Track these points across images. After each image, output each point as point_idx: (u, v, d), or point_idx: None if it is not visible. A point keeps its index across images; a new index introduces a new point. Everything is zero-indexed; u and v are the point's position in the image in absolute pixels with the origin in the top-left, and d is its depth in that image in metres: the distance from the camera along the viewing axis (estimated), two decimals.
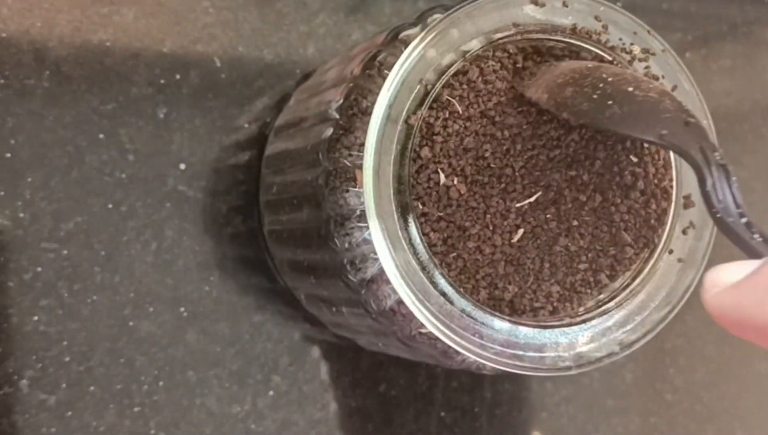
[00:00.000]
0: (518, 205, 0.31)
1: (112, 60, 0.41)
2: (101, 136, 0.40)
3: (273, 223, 0.39)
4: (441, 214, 0.30)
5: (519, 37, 0.31)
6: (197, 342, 0.41)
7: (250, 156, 0.42)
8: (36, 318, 0.39)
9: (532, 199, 0.31)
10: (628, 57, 0.32)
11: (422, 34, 0.30)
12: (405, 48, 0.30)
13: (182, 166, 0.41)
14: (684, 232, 0.32)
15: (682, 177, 0.32)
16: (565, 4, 0.31)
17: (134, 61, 0.41)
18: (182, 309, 0.41)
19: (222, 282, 0.42)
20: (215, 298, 0.42)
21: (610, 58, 0.31)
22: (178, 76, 0.42)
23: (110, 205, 0.40)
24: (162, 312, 0.41)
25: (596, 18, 0.31)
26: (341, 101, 0.32)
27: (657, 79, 0.32)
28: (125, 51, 0.41)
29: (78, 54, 0.40)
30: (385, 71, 0.31)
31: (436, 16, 0.32)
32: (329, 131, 0.32)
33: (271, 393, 0.42)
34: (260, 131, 0.43)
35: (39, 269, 0.39)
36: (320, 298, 0.38)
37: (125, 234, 0.40)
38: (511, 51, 0.31)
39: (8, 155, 0.39)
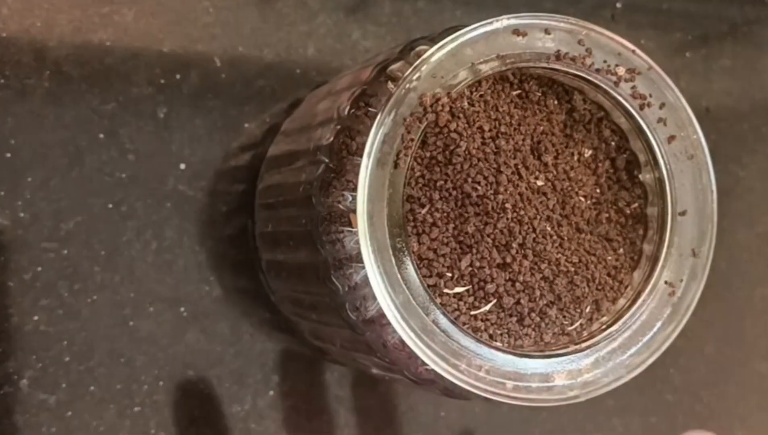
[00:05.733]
0: (515, 240, 0.31)
1: (112, 60, 0.41)
2: (101, 136, 0.40)
3: (271, 259, 0.40)
4: (437, 251, 0.30)
5: (504, 68, 0.31)
6: (197, 342, 0.41)
7: (251, 156, 0.42)
8: (36, 318, 0.39)
9: (531, 234, 0.31)
10: (614, 78, 0.32)
11: (407, 72, 0.30)
12: (391, 84, 0.30)
13: (182, 166, 0.41)
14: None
15: (676, 195, 0.32)
16: (547, 32, 0.31)
17: (134, 60, 0.41)
18: (182, 309, 0.41)
19: (222, 282, 0.42)
20: (215, 297, 0.42)
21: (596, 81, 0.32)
22: (178, 76, 0.42)
23: (110, 205, 0.40)
24: (162, 312, 0.41)
25: (579, 42, 0.32)
26: (331, 139, 0.32)
27: (644, 97, 0.32)
28: (125, 51, 0.41)
29: (78, 54, 0.40)
30: (372, 110, 0.31)
31: (420, 48, 0.32)
32: (320, 172, 0.32)
33: (271, 393, 0.42)
34: (261, 132, 0.43)
35: (39, 269, 0.39)
36: (323, 335, 0.38)
37: (125, 234, 0.40)
38: (497, 81, 0.32)
39: (8, 155, 0.39)
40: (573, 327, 0.32)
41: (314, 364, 0.43)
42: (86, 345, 0.40)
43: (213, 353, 0.41)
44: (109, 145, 0.40)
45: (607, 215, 0.33)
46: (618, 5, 0.47)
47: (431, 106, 0.29)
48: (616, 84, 0.32)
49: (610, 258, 0.33)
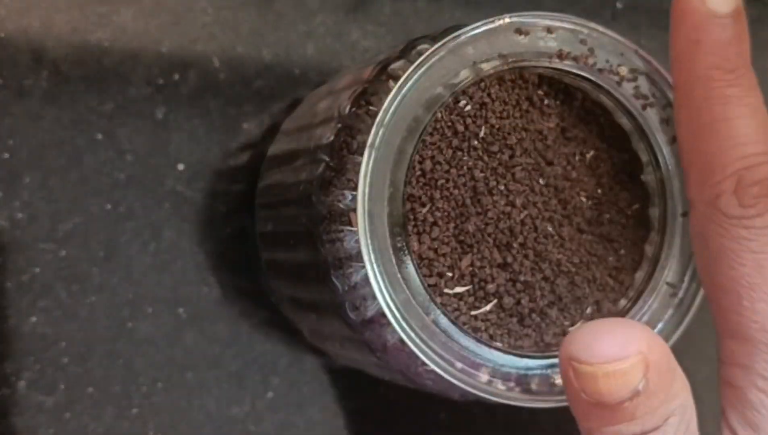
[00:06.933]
0: (516, 240, 0.31)
1: (110, 60, 0.40)
2: (99, 136, 0.40)
3: (270, 259, 0.39)
4: (437, 250, 0.30)
5: (506, 67, 0.31)
6: (196, 343, 0.41)
7: (250, 156, 0.42)
8: (34, 319, 0.39)
9: (532, 234, 0.31)
10: (616, 78, 0.32)
11: (408, 71, 0.29)
12: (392, 82, 0.30)
13: (181, 167, 0.41)
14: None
15: (677, 195, 0.32)
16: (549, 31, 0.31)
17: (132, 61, 0.41)
18: (181, 310, 0.41)
19: (221, 283, 0.42)
20: (214, 299, 0.41)
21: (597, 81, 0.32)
22: (176, 76, 0.41)
23: (108, 206, 0.40)
24: (160, 313, 0.41)
25: (582, 42, 0.32)
26: (331, 138, 0.32)
27: (647, 98, 0.32)
28: (123, 51, 0.41)
29: (76, 54, 0.40)
30: (373, 109, 0.31)
31: (421, 47, 0.32)
32: (320, 171, 0.32)
33: (270, 394, 0.42)
34: (261, 131, 0.42)
35: (37, 270, 0.39)
36: (323, 335, 0.38)
37: (123, 235, 0.40)
38: (499, 80, 0.32)
39: (6, 156, 0.39)
40: (574, 327, 0.32)
41: (314, 365, 0.43)
42: (84, 346, 0.39)
43: (212, 355, 0.41)
44: (107, 145, 0.40)
45: (608, 216, 0.33)
46: (618, 5, 0.47)
47: (432, 105, 0.29)
48: (619, 84, 0.32)
49: (611, 258, 0.33)
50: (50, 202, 0.39)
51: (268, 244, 0.39)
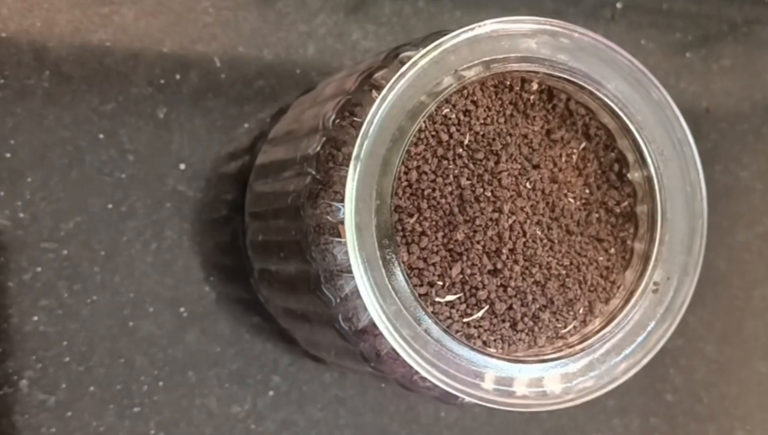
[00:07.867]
0: (505, 245, 0.31)
1: (111, 60, 0.41)
2: (101, 136, 0.40)
3: (262, 269, 0.39)
4: (426, 260, 0.30)
5: (488, 73, 0.30)
6: (197, 342, 0.41)
7: (250, 158, 0.42)
8: (36, 318, 0.39)
9: (521, 239, 0.31)
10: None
11: (391, 81, 0.29)
12: (375, 92, 0.30)
13: (182, 166, 0.41)
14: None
15: (665, 192, 0.32)
16: (530, 35, 0.31)
17: (134, 61, 0.41)
18: (182, 309, 0.41)
19: (222, 282, 0.42)
20: (215, 298, 0.42)
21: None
22: (178, 76, 0.42)
23: (110, 205, 0.40)
24: (162, 312, 0.41)
25: (563, 44, 0.31)
26: (318, 149, 0.32)
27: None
28: (125, 51, 0.41)
29: (78, 54, 0.40)
30: (357, 120, 0.31)
31: (403, 55, 0.31)
32: (307, 183, 0.32)
33: (271, 393, 0.42)
34: (260, 131, 0.43)
35: (39, 269, 0.39)
36: (318, 344, 0.38)
37: (125, 234, 0.40)
38: (482, 86, 0.32)
39: (8, 155, 0.39)
40: (566, 330, 0.32)
41: (314, 364, 0.43)
42: (86, 345, 0.40)
43: (213, 354, 0.41)
44: (109, 145, 0.40)
45: (597, 215, 0.33)
46: (618, 5, 0.47)
47: (416, 115, 0.29)
48: (601, 84, 0.31)
49: (601, 258, 0.33)
50: (52, 201, 0.39)
51: (260, 254, 0.39)
